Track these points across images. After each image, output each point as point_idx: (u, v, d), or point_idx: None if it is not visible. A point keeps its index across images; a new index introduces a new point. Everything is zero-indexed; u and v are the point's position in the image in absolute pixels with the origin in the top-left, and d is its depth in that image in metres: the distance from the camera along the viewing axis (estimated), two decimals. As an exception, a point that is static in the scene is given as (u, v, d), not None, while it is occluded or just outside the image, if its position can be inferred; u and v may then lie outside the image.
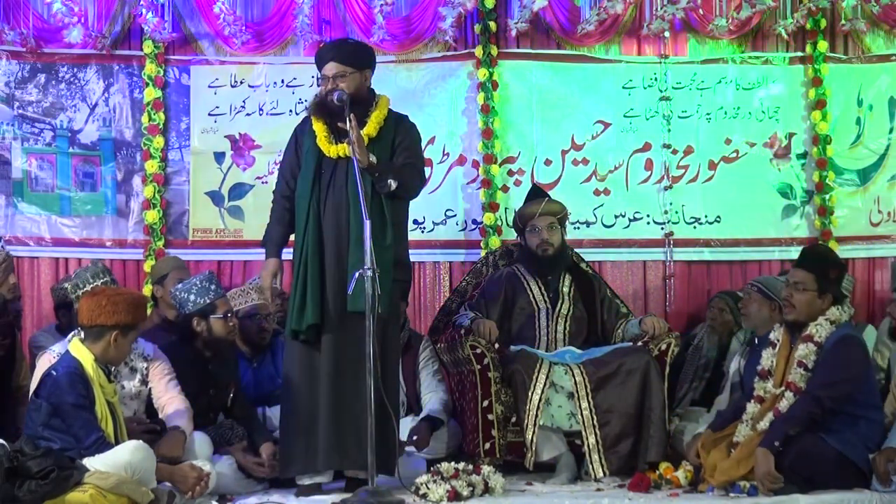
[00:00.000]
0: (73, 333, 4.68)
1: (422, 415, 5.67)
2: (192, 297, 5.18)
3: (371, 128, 4.97)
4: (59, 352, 4.73)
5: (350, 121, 4.74)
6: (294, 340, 4.94)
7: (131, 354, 4.88)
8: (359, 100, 4.94)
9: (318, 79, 5.13)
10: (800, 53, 7.31)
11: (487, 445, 5.31)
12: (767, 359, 4.92)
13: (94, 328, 4.44)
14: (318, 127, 4.99)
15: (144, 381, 4.97)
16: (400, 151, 5.05)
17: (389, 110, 5.09)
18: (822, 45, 7.25)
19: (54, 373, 4.35)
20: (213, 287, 5.22)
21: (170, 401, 4.92)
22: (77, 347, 4.43)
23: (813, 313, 4.81)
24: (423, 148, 6.80)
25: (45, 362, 4.76)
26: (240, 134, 7.02)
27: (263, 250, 6.67)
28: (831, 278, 4.86)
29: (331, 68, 4.96)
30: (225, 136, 7.02)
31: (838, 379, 4.67)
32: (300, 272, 4.89)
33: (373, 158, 4.83)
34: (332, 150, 4.94)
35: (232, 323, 5.23)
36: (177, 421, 4.84)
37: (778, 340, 4.93)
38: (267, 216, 5.18)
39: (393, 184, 4.86)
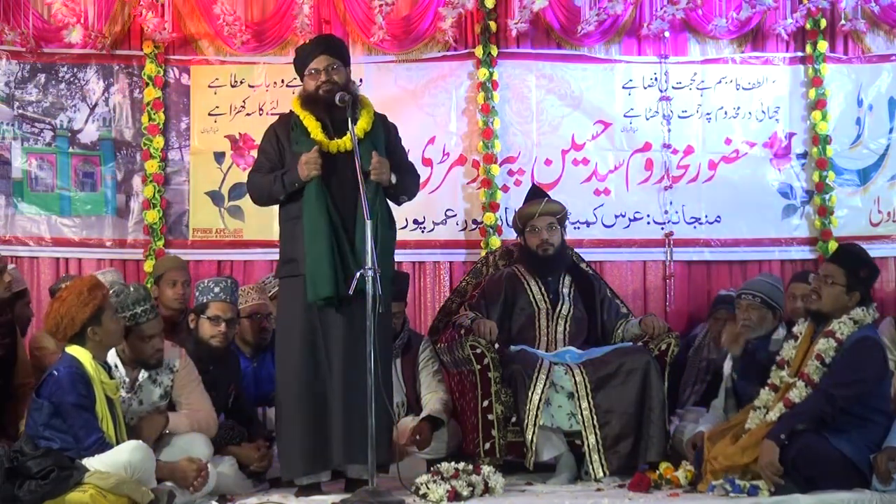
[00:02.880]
0: None
1: (422, 415, 5.67)
2: (197, 293, 5.29)
3: (365, 122, 4.96)
4: None
5: (355, 143, 4.75)
6: (293, 340, 4.90)
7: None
8: (353, 97, 4.94)
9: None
10: (800, 53, 7.32)
11: (487, 445, 5.31)
12: (788, 349, 4.94)
13: (74, 338, 4.43)
14: (311, 122, 4.95)
15: (166, 395, 4.93)
16: (398, 156, 5.10)
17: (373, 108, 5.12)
18: (822, 45, 7.26)
19: (56, 373, 4.35)
20: (216, 290, 5.24)
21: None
22: (74, 348, 4.43)
23: (838, 308, 4.82)
24: (423, 147, 6.95)
25: None
26: (240, 134, 7.03)
27: (263, 250, 6.82)
28: (861, 277, 4.87)
29: (323, 60, 4.95)
30: (225, 136, 7.02)
31: (854, 379, 4.68)
32: (321, 243, 4.79)
33: (394, 179, 4.89)
34: (332, 145, 4.92)
35: (218, 328, 5.20)
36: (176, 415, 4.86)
37: (801, 333, 4.95)
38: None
39: (405, 198, 5.08)
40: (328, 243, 4.77)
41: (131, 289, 4.88)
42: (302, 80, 5.10)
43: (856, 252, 5.11)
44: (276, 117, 6.77)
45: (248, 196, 6.77)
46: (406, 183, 5.04)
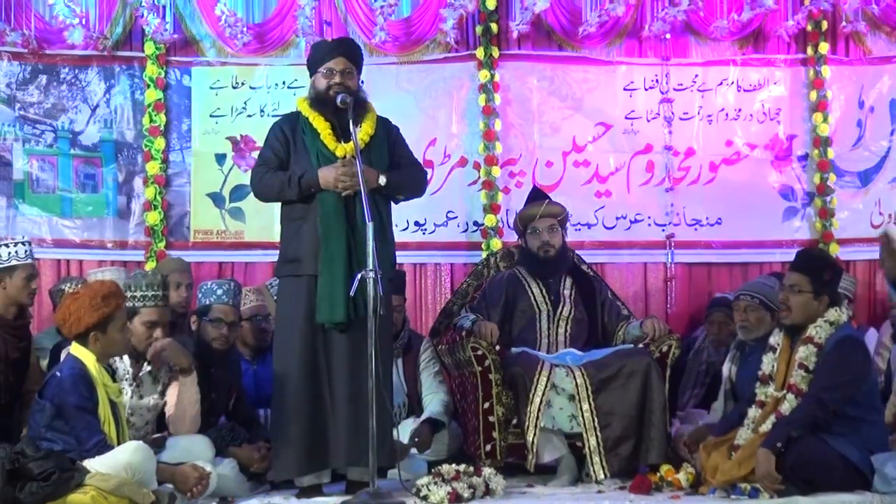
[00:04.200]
0: None
1: (423, 416, 5.67)
2: (199, 296, 5.31)
3: (369, 126, 4.96)
4: None
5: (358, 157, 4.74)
6: (293, 340, 4.89)
7: (159, 365, 4.88)
8: (358, 100, 4.95)
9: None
10: (801, 55, 7.32)
11: (488, 447, 5.31)
12: (768, 363, 4.92)
13: (77, 337, 4.44)
14: (321, 124, 4.94)
15: (164, 393, 4.94)
16: (400, 154, 5.09)
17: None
18: (823, 47, 7.25)
19: (58, 374, 4.36)
20: (219, 292, 5.24)
21: None
22: (78, 349, 4.44)
23: (810, 316, 4.80)
24: (424, 149, 6.96)
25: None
26: (241, 135, 7.03)
27: (264, 252, 6.82)
28: (826, 280, 4.85)
29: (341, 62, 4.93)
30: (226, 138, 7.03)
31: (840, 380, 4.66)
32: (338, 266, 4.79)
33: (382, 180, 4.85)
34: (340, 149, 4.91)
35: (220, 331, 5.21)
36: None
37: (778, 345, 4.92)
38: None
39: (401, 197, 5.05)
40: (344, 266, 4.76)
41: (147, 273, 4.99)
42: (312, 75, 5.06)
43: (816, 255, 5.10)
44: (278, 119, 6.85)
45: (249, 197, 6.87)
46: (401, 181, 4.99)
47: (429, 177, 6.76)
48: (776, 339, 4.96)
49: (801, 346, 4.77)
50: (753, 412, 4.86)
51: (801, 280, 4.83)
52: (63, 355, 4.60)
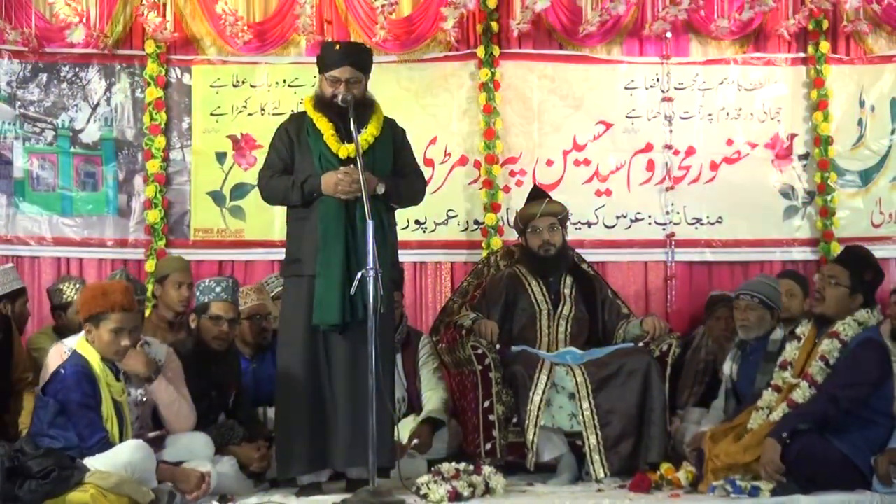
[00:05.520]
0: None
1: (422, 415, 5.66)
2: (197, 293, 5.30)
3: (374, 128, 4.97)
4: (71, 346, 4.71)
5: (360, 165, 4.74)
6: (294, 340, 4.90)
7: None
8: (363, 102, 4.95)
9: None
10: (801, 54, 7.31)
11: (488, 446, 5.31)
12: (791, 350, 4.95)
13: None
14: (324, 125, 4.95)
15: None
16: (403, 159, 5.09)
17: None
18: (824, 46, 7.25)
19: (63, 371, 4.37)
20: (217, 289, 5.23)
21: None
22: (83, 346, 4.44)
23: (841, 310, 4.82)
24: (424, 147, 6.95)
25: (55, 354, 4.77)
26: (241, 134, 7.02)
27: (264, 251, 6.82)
28: (865, 279, 4.88)
29: (347, 72, 4.91)
30: (226, 136, 7.02)
31: (858, 381, 4.68)
32: (335, 268, 4.81)
33: (380, 189, 4.85)
34: (343, 150, 4.91)
35: (220, 328, 5.21)
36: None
37: (804, 335, 4.95)
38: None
39: (396, 207, 5.04)
40: (341, 269, 4.77)
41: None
42: (320, 73, 5.04)
43: (861, 254, 5.10)
44: (278, 117, 6.85)
45: (249, 196, 6.90)
46: (400, 191, 5.01)
47: (428, 177, 6.81)
48: (803, 328, 4.99)
49: (826, 340, 4.80)
50: (769, 395, 4.89)
51: (841, 273, 4.86)
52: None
